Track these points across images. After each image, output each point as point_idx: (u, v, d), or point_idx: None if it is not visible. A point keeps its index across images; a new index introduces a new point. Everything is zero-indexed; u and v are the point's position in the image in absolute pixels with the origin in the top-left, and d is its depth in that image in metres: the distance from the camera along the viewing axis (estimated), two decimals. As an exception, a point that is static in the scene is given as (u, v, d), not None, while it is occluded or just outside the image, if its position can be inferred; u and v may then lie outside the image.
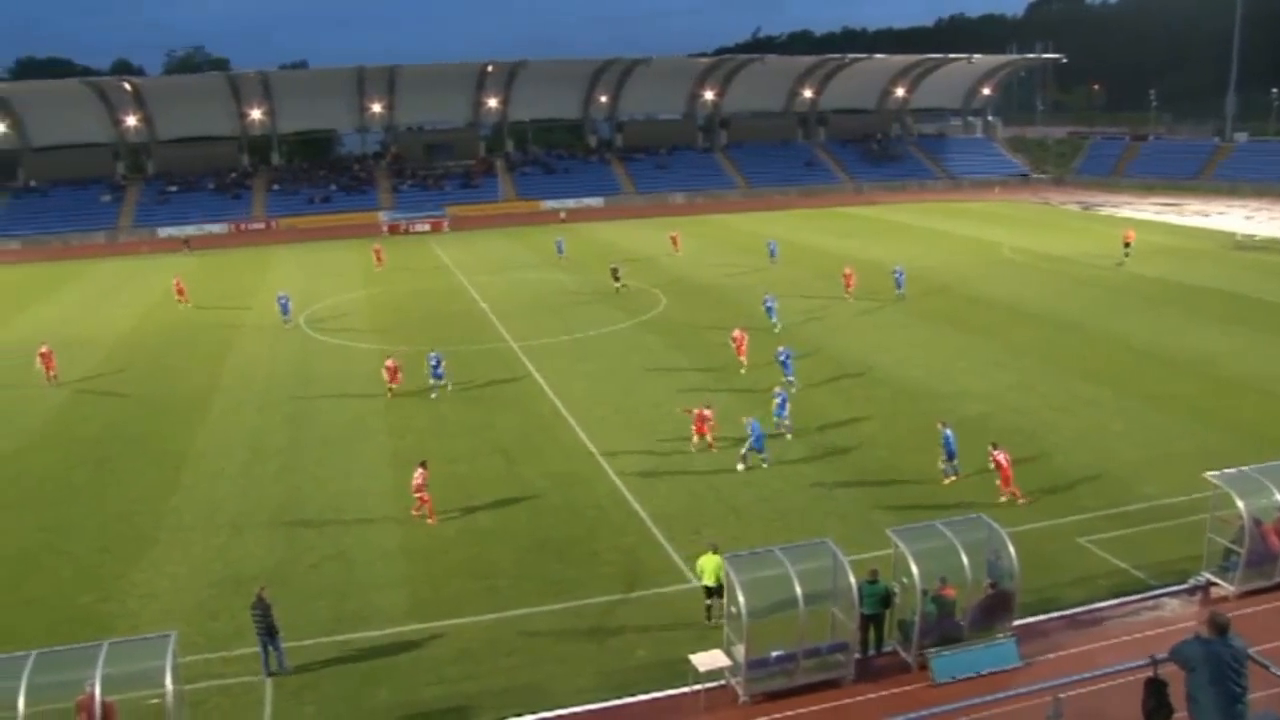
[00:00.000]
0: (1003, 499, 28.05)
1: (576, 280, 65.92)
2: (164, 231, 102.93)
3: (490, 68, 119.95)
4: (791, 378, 38.76)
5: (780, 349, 40.52)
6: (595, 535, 27.55)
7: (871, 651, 21.07)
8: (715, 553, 21.94)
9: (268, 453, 35.31)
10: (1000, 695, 12.95)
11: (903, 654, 20.82)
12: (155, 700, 17.26)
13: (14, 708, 16.22)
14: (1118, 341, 45.39)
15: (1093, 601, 22.76)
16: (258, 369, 46.81)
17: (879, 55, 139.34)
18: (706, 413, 32.99)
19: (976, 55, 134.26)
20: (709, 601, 22.27)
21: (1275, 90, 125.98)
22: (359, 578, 25.63)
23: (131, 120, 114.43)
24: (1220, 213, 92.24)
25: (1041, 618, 22.03)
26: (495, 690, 20.43)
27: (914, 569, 19.95)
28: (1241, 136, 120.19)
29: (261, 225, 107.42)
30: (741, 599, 19.29)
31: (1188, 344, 44.44)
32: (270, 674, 21.01)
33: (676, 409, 34.90)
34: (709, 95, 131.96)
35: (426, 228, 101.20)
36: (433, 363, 40.85)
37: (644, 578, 24.93)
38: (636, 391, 40.60)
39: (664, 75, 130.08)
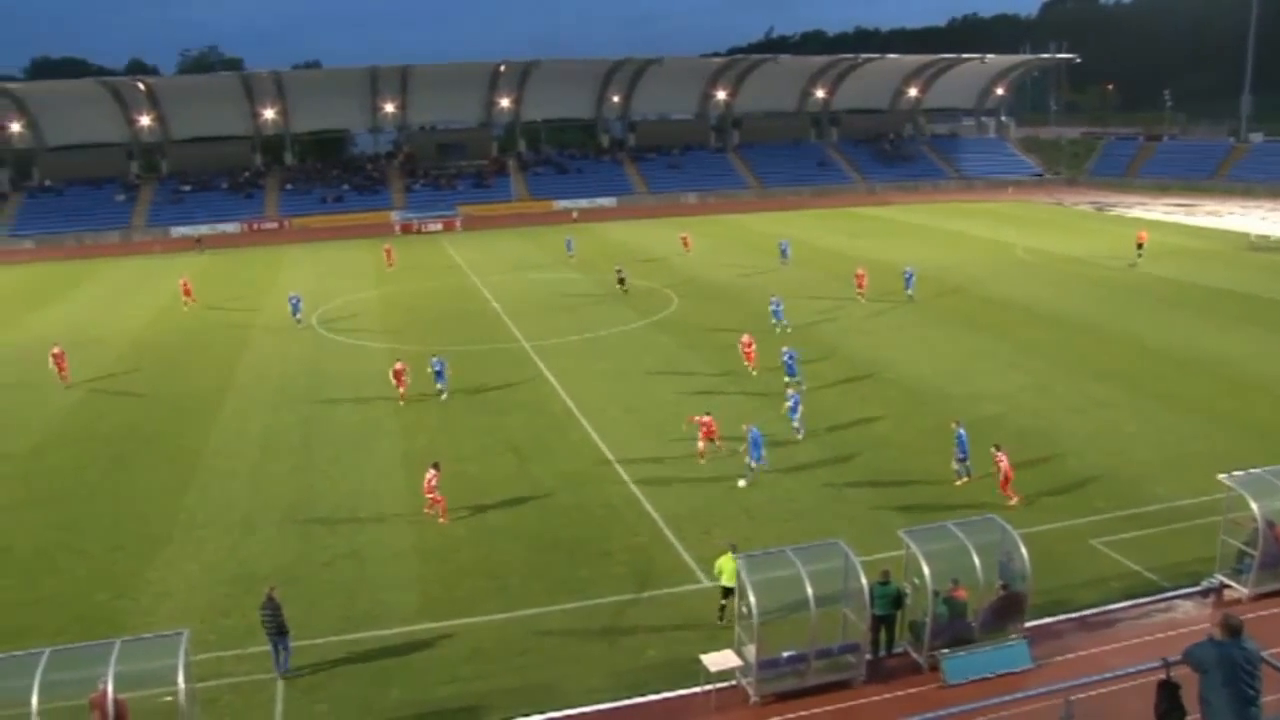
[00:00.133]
0: (1013, 502, 27.94)
1: (588, 280, 65.94)
2: (177, 231, 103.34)
3: (503, 67, 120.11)
4: (794, 379, 38.54)
5: (785, 350, 40.38)
6: (607, 535, 27.56)
7: (883, 652, 21.04)
8: (735, 553, 21.84)
9: (280, 452, 35.42)
10: (1012, 697, 12.90)
11: (914, 655, 20.78)
12: (168, 698, 17.33)
13: (28, 704, 16.30)
14: (1131, 342, 45.22)
15: (1105, 603, 22.68)
16: (270, 368, 46.95)
17: (892, 55, 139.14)
18: (705, 419, 32.43)
19: (990, 55, 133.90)
20: (724, 602, 22.22)
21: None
22: (371, 577, 25.69)
23: (145, 120, 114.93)
24: (1235, 213, 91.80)
25: (1053, 619, 21.96)
26: (507, 689, 20.46)
27: (926, 570, 19.91)
28: (1257, 137, 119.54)
29: (274, 225, 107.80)
30: (753, 599, 19.28)
31: (1202, 345, 44.25)
32: (286, 670, 21.06)
33: (683, 423, 34.07)
34: (721, 95, 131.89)
35: (439, 227, 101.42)
36: (436, 368, 40.74)
37: (655, 578, 24.93)
38: (648, 392, 40.60)
39: (676, 75, 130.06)
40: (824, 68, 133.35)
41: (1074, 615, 22.25)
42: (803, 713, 19.31)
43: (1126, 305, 53.18)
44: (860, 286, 55.97)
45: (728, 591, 22.01)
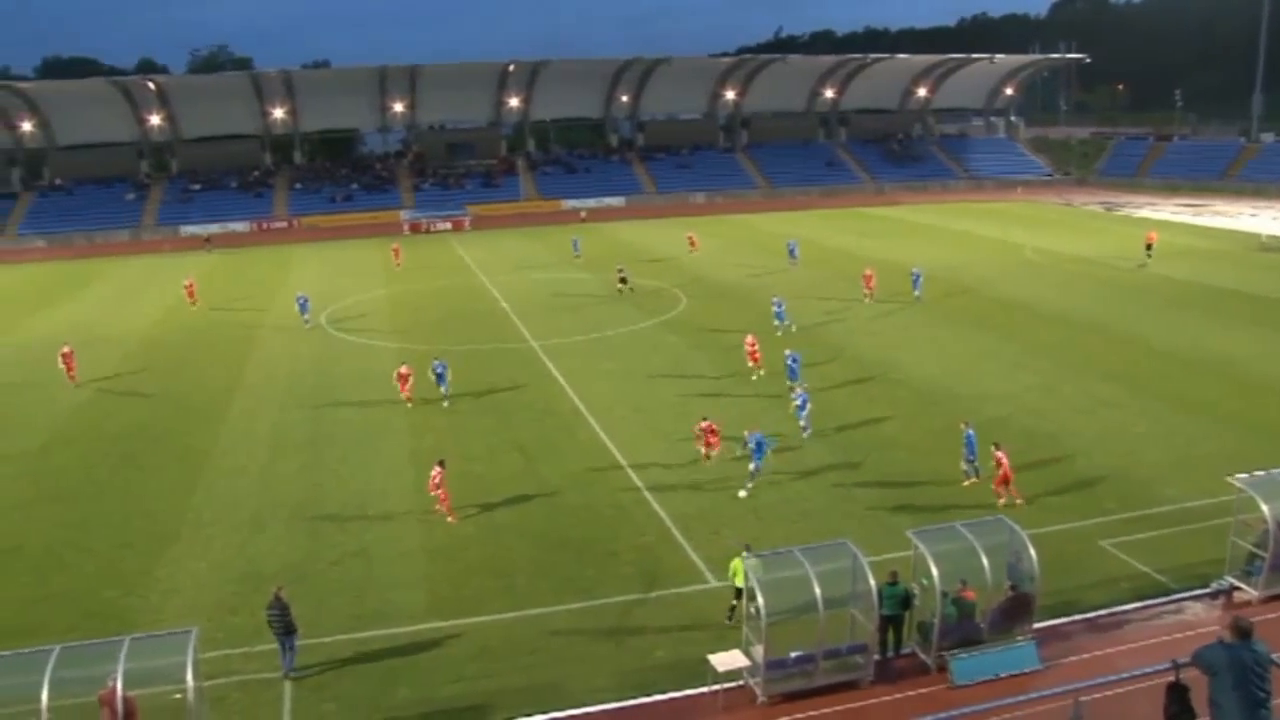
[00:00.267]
0: (1001, 501, 27.93)
1: (596, 280, 65.92)
2: (187, 230, 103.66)
3: (512, 67, 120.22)
4: (795, 381, 38.37)
5: (788, 353, 40.11)
6: (614, 535, 27.57)
7: (891, 653, 21.01)
8: (749, 554, 21.72)
9: (289, 450, 35.49)
10: (1020, 698, 12.87)
11: (922, 656, 20.75)
12: (176, 696, 17.38)
13: (38, 701, 16.37)
14: (1140, 343, 45.10)
15: (1114, 605, 22.62)
16: (279, 368, 47.05)
17: (901, 55, 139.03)
18: (706, 424, 31.80)
19: (999, 55, 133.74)
20: (735, 602, 22.15)
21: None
22: (379, 575, 25.73)
23: (155, 119, 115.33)
24: (1246, 214, 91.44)
25: (1062, 620, 21.91)
26: (514, 689, 20.47)
27: (934, 570, 19.88)
28: (1268, 137, 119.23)
29: (284, 224, 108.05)
30: (760, 599, 19.27)
31: (1211, 346, 44.10)
32: (289, 673, 21.07)
33: (692, 427, 33.21)
34: (730, 95, 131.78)
35: (448, 227, 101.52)
36: (437, 370, 40.34)
37: (663, 577, 24.93)
38: (657, 392, 40.60)
39: (685, 75, 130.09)
40: (833, 68, 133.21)
41: (1083, 616, 22.19)
42: (810, 713, 19.29)
43: (1135, 306, 53.04)
44: (868, 287, 55.85)
45: (741, 592, 21.85)
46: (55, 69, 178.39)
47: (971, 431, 29.70)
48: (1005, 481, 28.10)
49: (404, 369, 40.11)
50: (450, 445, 34.84)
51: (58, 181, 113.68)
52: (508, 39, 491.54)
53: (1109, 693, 13.13)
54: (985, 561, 20.21)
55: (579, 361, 45.66)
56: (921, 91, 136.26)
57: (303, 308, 55.84)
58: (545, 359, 46.40)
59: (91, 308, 65.29)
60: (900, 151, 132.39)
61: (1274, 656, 10.06)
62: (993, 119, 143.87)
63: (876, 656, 20.47)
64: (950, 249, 74.47)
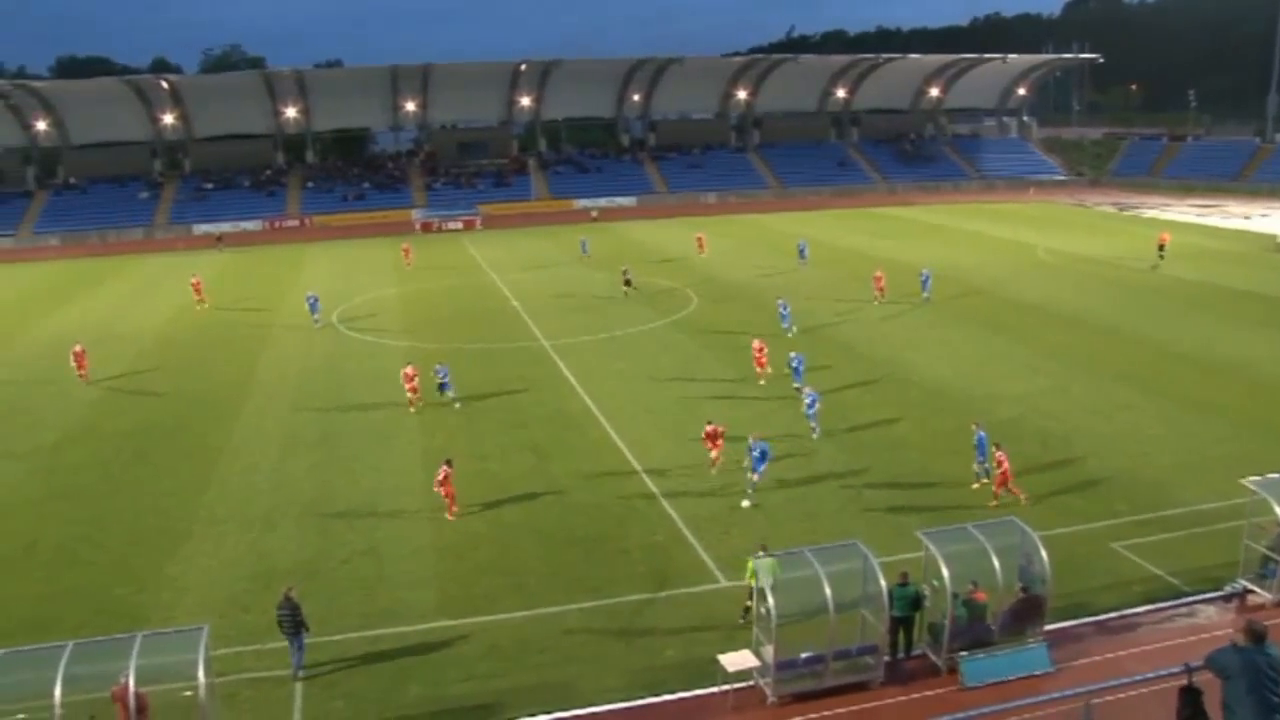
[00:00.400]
0: (993, 504, 27.89)
1: (608, 279, 65.89)
2: (200, 228, 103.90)
3: (524, 66, 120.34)
4: (800, 383, 38.22)
5: (793, 355, 39.86)
6: (625, 534, 27.58)
7: (901, 654, 20.99)
8: (765, 554, 21.70)
9: (300, 448, 35.58)
10: (1031, 700, 12.79)
11: (933, 657, 20.71)
12: (188, 693, 17.44)
13: (51, 696, 16.45)
14: (1153, 345, 44.93)
15: (1125, 607, 22.55)
16: (290, 366, 47.17)
17: (913, 55, 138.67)
18: (710, 429, 31.39)
19: (1012, 55, 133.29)
20: (749, 603, 22.03)
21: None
22: (390, 573, 25.79)
23: (169, 118, 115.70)
24: (1261, 215, 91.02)
25: (1073, 623, 21.84)
26: (524, 687, 20.50)
27: (945, 572, 19.84)
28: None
29: (296, 223, 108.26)
30: (771, 600, 19.26)
31: (1225, 348, 43.91)
32: (299, 674, 21.10)
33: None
34: (742, 95, 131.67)
35: (459, 226, 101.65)
36: (440, 376, 39.71)
37: (674, 577, 24.93)
38: (667, 391, 40.59)
39: (697, 75, 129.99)
40: (845, 67, 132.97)
41: (1094, 619, 22.12)
42: (820, 714, 19.27)
43: (1149, 307, 52.85)
44: (878, 289, 55.70)
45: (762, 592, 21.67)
46: (70, 68, 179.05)
47: (983, 433, 29.63)
48: (1004, 482, 28.07)
49: (409, 370, 39.77)
50: (462, 444, 34.93)
51: (72, 180, 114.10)
52: (520, 38, 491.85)
53: (1121, 696, 13.06)
54: (996, 563, 20.17)
55: (590, 361, 45.68)
56: (934, 91, 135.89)
57: (313, 307, 55.92)
58: (556, 358, 46.43)
59: (105, 306, 65.56)
60: (912, 152, 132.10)
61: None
62: (1005, 119, 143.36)
63: (887, 658, 20.45)
64: (962, 250, 74.29)
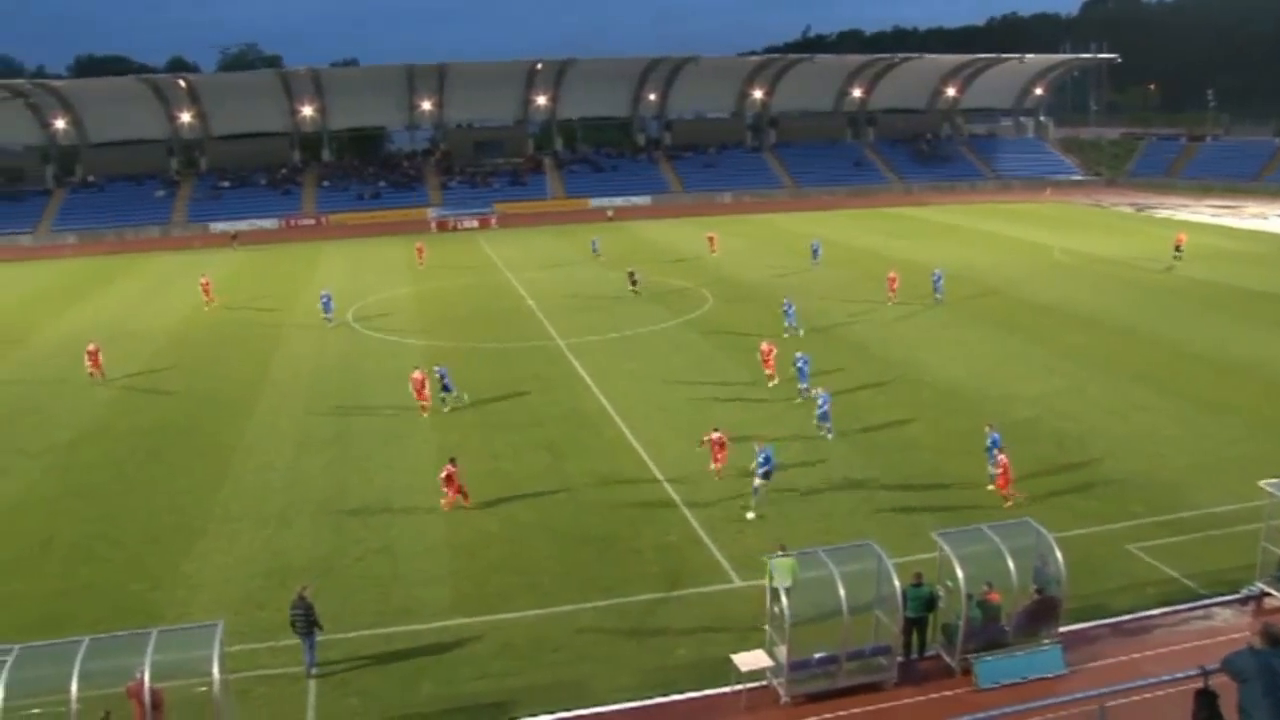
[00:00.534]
0: (1007, 505, 27.85)
1: (623, 278, 65.92)
2: (216, 226, 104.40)
3: (539, 66, 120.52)
4: (805, 384, 38.07)
5: (798, 356, 39.45)
6: (638, 533, 27.57)
7: (915, 655, 20.92)
8: (784, 553, 21.63)
9: (314, 446, 35.69)
10: (1045, 702, 12.78)
11: (946, 658, 20.65)
12: (202, 689, 17.51)
13: (68, 691, 16.54)
14: (1170, 345, 44.70)
15: (1141, 609, 22.42)
16: (305, 364, 47.33)
17: (930, 55, 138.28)
18: (716, 435, 30.69)
19: (1029, 55, 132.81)
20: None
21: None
22: (404, 571, 25.84)
23: (186, 117, 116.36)
24: (1279, 215, 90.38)
25: (1088, 625, 21.73)
26: (537, 686, 20.52)
27: (959, 573, 19.77)
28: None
29: (311, 221, 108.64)
30: (785, 600, 19.23)
31: (1241, 348, 43.64)
32: (312, 672, 21.18)
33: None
34: (758, 94, 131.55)
35: (475, 225, 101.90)
36: (440, 377, 39.04)
37: (687, 576, 24.91)
38: (681, 391, 40.56)
39: (713, 74, 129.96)
40: (861, 67, 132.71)
41: (1109, 621, 22.00)
42: (833, 714, 19.24)
43: (1165, 307, 52.58)
44: (892, 290, 55.49)
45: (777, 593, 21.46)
46: (88, 67, 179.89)
47: (996, 434, 29.50)
48: (1005, 483, 28.04)
49: (417, 375, 39.08)
50: (476, 442, 35.00)
51: (90, 178, 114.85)
52: (535, 38, 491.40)
53: (1135, 698, 12.99)
54: (1011, 564, 20.08)
55: (605, 360, 45.70)
56: (950, 91, 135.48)
57: (325, 306, 56.04)
58: (571, 357, 46.47)
59: (120, 304, 65.90)
60: (928, 152, 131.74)
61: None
62: (1022, 119, 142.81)
63: (900, 658, 20.39)
64: (978, 250, 74.05)
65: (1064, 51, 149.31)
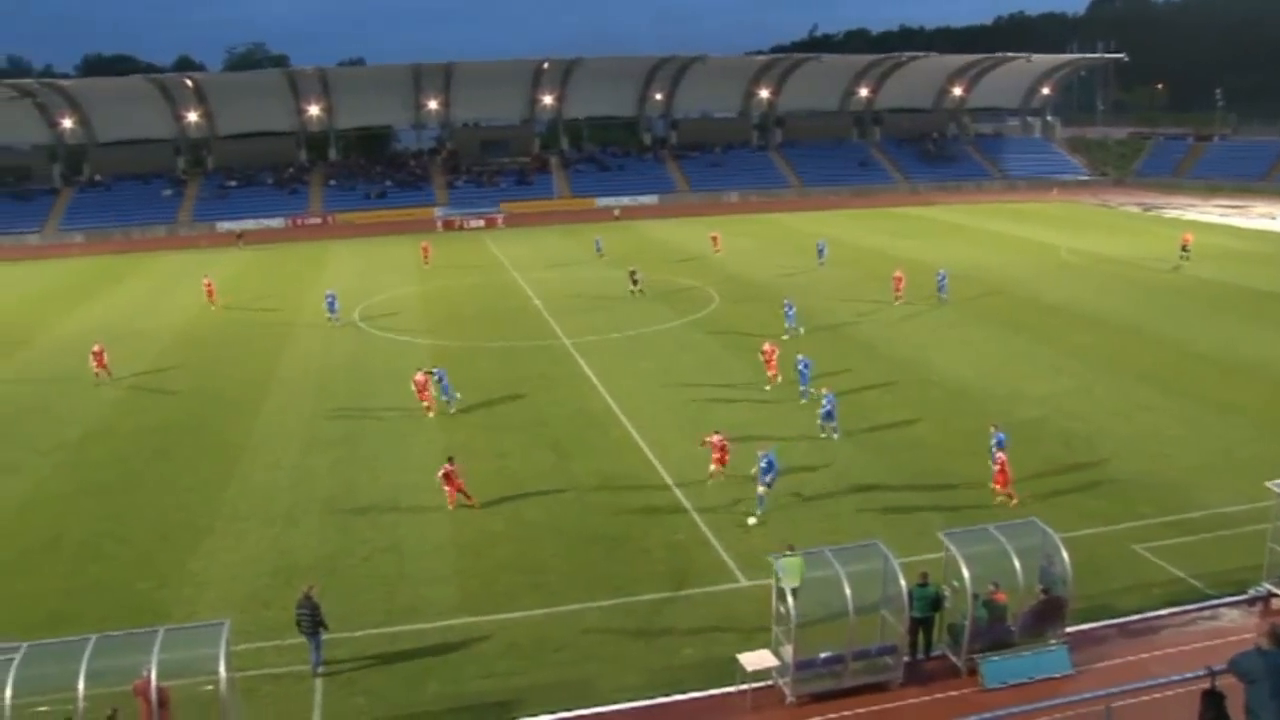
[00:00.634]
0: (996, 500, 27.87)
1: (628, 278, 65.95)
2: (223, 226, 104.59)
3: (546, 65, 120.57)
4: (807, 386, 37.98)
5: (799, 358, 39.30)
6: (645, 533, 27.57)
7: (921, 655, 20.90)
8: (792, 553, 21.57)
9: (321, 445, 35.73)
10: (1051, 702, 12.76)
11: (952, 658, 20.63)
12: (209, 687, 17.55)
13: (74, 689, 16.59)
14: (1178, 346, 44.60)
15: (1147, 610, 22.39)
16: (312, 363, 47.40)
17: (936, 54, 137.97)
18: (716, 439, 30.09)
19: (1036, 54, 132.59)
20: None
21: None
22: (410, 570, 25.87)
23: (193, 116, 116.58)
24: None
25: (1094, 625, 21.71)
26: (543, 685, 20.54)
27: (965, 573, 19.75)
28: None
29: (318, 220, 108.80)
30: (791, 600, 19.23)
31: (1249, 349, 43.54)
32: (319, 670, 21.22)
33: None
34: (764, 94, 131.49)
35: (481, 224, 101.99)
36: (437, 377, 38.94)
37: (693, 576, 24.91)
38: (688, 390, 40.55)
39: (719, 73, 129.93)
40: (867, 67, 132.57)
41: (1115, 621, 21.98)
42: (839, 714, 19.23)
43: (1171, 308, 52.46)
44: (897, 290, 55.39)
45: (792, 593, 21.03)
46: (96, 67, 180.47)
47: (1001, 434, 29.43)
48: (1005, 481, 28.04)
49: (419, 377, 38.93)
50: (482, 441, 35.04)
51: (97, 177, 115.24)
52: (542, 37, 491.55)
53: (1142, 699, 12.97)
54: (1017, 564, 20.05)
55: (611, 359, 45.71)
56: (957, 91, 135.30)
57: (330, 305, 56.03)
58: (578, 356, 46.48)
59: (126, 303, 66.02)
60: (935, 151, 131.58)
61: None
62: (1029, 119, 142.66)
63: (906, 658, 20.38)
64: (984, 250, 73.96)
65: (1071, 51, 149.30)
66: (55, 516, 30.27)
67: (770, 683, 19.85)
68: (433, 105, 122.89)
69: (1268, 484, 23.06)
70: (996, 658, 19.99)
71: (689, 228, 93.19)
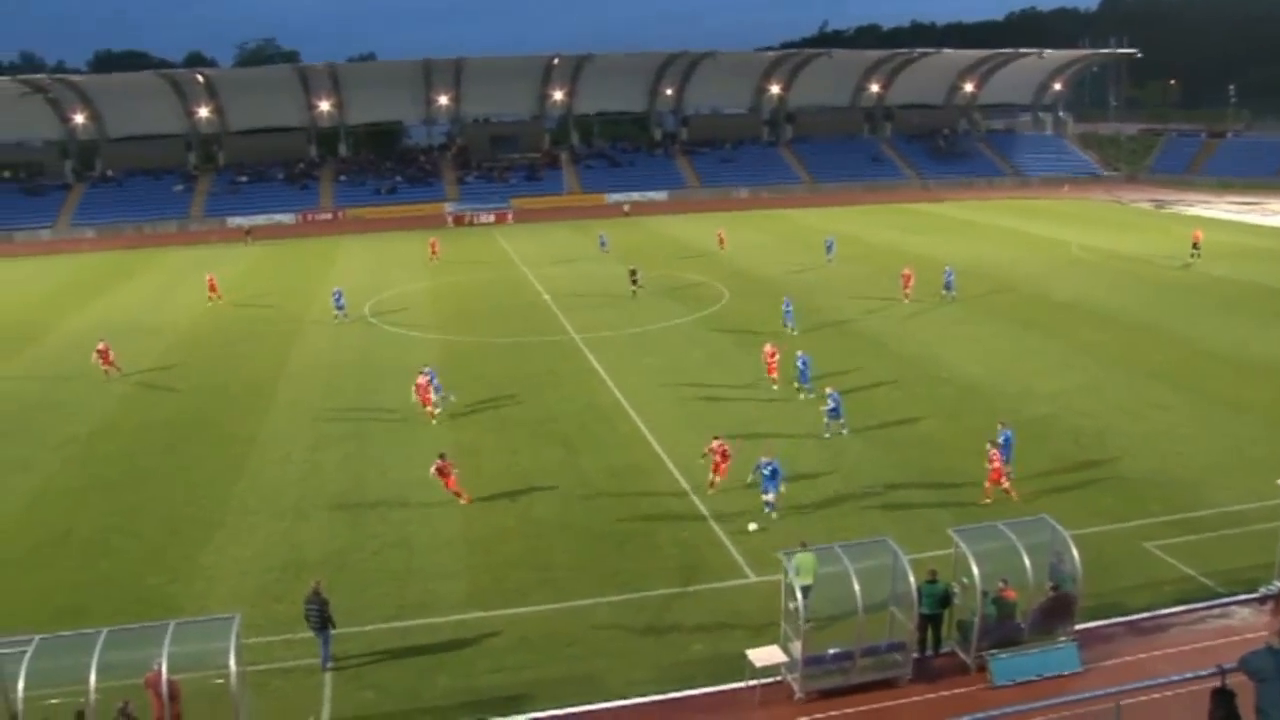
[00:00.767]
0: (986, 500, 27.85)
1: (641, 273, 65.91)
2: (233, 221, 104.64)
3: (556, 61, 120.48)
4: (807, 384, 37.85)
5: (799, 355, 39.10)
6: (654, 528, 27.58)
7: (929, 652, 20.88)
8: (805, 549, 21.43)
9: (331, 441, 35.82)
10: (1060, 700, 12.75)
11: (961, 655, 20.61)
12: (219, 680, 17.62)
13: (86, 682, 16.68)
14: (1189, 343, 44.43)
15: (1157, 608, 22.34)
16: (322, 359, 47.52)
17: (948, 50, 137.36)
18: (717, 444, 29.35)
19: (1048, 50, 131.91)
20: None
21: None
22: (420, 565, 25.94)
23: (204, 111, 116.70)
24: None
25: (1104, 623, 21.66)
26: (553, 680, 20.58)
27: (975, 569, 19.73)
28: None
29: (328, 216, 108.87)
30: (800, 597, 19.24)
31: (1261, 347, 43.35)
32: (328, 666, 21.28)
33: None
34: (775, 89, 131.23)
35: (491, 219, 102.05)
36: (429, 378, 38.21)
37: (703, 572, 24.92)
38: (697, 387, 40.56)
39: (730, 69, 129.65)
40: (878, 62, 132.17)
41: (1125, 619, 21.93)
42: (847, 710, 19.24)
43: (1185, 305, 52.26)
44: (906, 287, 55.16)
45: (804, 591, 20.64)
46: (107, 63, 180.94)
47: (1009, 432, 29.36)
48: (997, 479, 28.00)
49: (421, 380, 38.12)
50: (492, 437, 35.11)
51: (109, 173, 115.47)
52: (552, 33, 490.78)
53: (1152, 697, 12.96)
54: (1027, 561, 20.02)
55: (620, 355, 45.73)
56: (968, 87, 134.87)
57: (337, 302, 55.91)
58: (587, 352, 46.51)
59: (137, 299, 66.23)
60: (946, 148, 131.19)
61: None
62: (1041, 115, 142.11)
63: (915, 655, 20.36)
64: (995, 246, 73.74)
65: (1083, 47, 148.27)
66: (66, 511, 30.41)
67: (779, 678, 19.86)
68: (443, 101, 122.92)
69: (1279, 482, 22.96)
70: (1005, 655, 19.96)
71: (699, 224, 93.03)
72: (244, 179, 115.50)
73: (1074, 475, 29.81)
